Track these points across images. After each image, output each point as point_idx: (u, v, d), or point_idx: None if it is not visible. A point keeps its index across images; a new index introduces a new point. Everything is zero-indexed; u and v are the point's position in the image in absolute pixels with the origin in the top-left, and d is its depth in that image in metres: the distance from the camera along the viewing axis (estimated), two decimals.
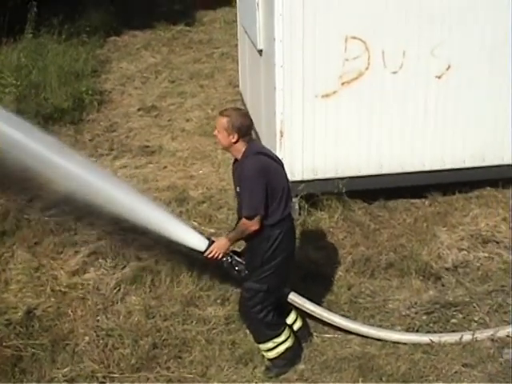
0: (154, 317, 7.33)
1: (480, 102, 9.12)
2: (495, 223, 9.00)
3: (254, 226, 6.09)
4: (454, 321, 7.31)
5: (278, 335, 6.46)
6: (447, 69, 8.91)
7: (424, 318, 7.36)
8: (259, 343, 6.55)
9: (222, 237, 6.70)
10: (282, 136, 8.78)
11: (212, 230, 8.90)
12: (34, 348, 6.81)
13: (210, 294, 7.68)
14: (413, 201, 9.65)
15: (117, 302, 7.56)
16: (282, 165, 6.41)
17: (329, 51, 8.61)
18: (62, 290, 7.76)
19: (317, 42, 8.55)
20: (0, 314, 7.29)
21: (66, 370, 6.55)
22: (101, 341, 6.95)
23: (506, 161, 9.35)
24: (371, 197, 9.49)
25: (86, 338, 6.98)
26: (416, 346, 6.83)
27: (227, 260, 6.44)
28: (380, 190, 9.33)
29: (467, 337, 6.85)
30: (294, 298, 6.85)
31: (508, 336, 6.90)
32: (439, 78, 8.94)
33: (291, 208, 6.51)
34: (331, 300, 7.63)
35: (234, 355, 6.76)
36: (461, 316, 7.38)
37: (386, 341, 6.89)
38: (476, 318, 7.33)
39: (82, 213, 8.68)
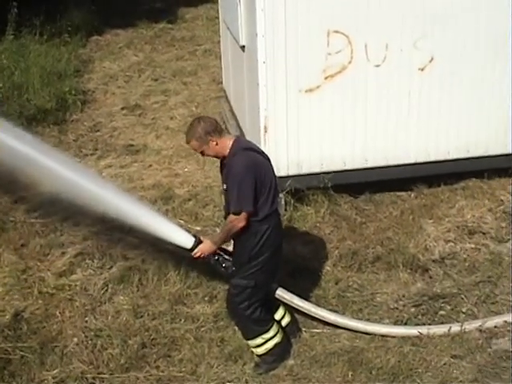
0: (142, 316, 7.32)
1: (463, 93, 9.14)
2: (481, 214, 9.03)
3: (241, 222, 6.08)
4: (442, 312, 7.34)
5: (267, 331, 6.46)
6: (430, 61, 8.92)
7: (412, 310, 7.38)
8: (248, 340, 6.55)
9: (207, 238, 6.66)
10: (266, 132, 8.77)
11: (198, 228, 8.89)
12: (22, 351, 6.78)
13: (197, 291, 7.67)
14: (399, 194, 9.67)
15: (105, 302, 7.55)
16: (268, 159, 6.41)
17: (311, 46, 8.60)
18: (50, 291, 7.73)
19: (299, 37, 8.53)
20: None
21: (55, 371, 6.53)
22: (89, 341, 6.94)
23: (491, 152, 9.38)
24: (357, 190, 9.50)
25: (75, 339, 6.96)
26: (405, 338, 6.84)
27: (214, 257, 6.44)
28: (366, 183, 9.34)
29: (456, 328, 6.88)
30: (281, 293, 6.85)
31: (496, 326, 6.93)
32: (422, 70, 8.95)
33: (278, 203, 6.50)
34: (319, 295, 7.63)
35: (224, 352, 6.76)
36: (449, 308, 7.41)
37: (375, 334, 6.90)
38: (464, 310, 7.35)
39: (67, 213, 8.65)
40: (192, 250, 6.44)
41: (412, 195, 9.65)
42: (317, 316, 7.00)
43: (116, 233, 8.39)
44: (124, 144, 12.28)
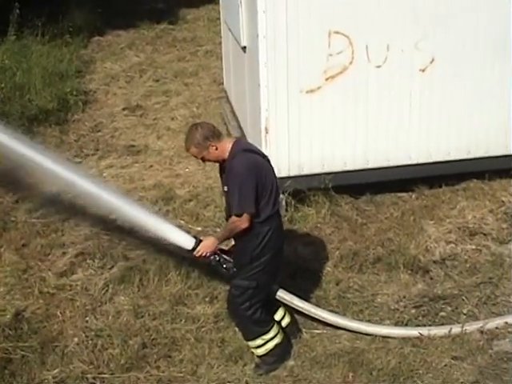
0: (142, 316, 7.32)
1: (464, 94, 9.14)
2: (482, 215, 9.03)
3: (243, 223, 6.07)
4: (442, 314, 7.33)
5: (267, 332, 6.46)
6: (431, 62, 8.93)
7: (413, 311, 7.38)
8: (248, 340, 6.54)
9: (209, 236, 6.67)
10: (267, 133, 8.77)
11: (199, 228, 8.89)
12: (23, 350, 6.78)
13: (198, 292, 7.67)
14: (400, 194, 9.66)
15: (105, 303, 7.55)
16: (268, 161, 6.40)
17: (312, 47, 8.60)
18: (51, 291, 7.75)
19: (300, 38, 8.54)
20: None
21: (55, 371, 6.53)
22: (90, 341, 6.94)
23: (492, 153, 9.38)
24: (358, 191, 9.50)
25: (75, 339, 6.97)
26: (405, 339, 6.83)
27: (215, 258, 6.43)
28: (366, 184, 9.33)
29: (456, 329, 6.87)
30: (282, 294, 6.84)
31: (497, 328, 6.92)
32: (423, 71, 8.95)
33: (279, 204, 6.50)
34: (320, 295, 7.63)
35: (224, 353, 6.75)
36: (450, 309, 7.40)
37: (376, 336, 6.90)
38: (465, 311, 7.34)
39: (68, 214, 8.67)
40: (193, 250, 6.44)
41: (413, 196, 9.65)
42: (317, 317, 7.00)
43: (117, 233, 8.40)
44: (125, 144, 12.28)
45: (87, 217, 8.89)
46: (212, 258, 6.43)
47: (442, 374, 6.39)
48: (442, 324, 7.13)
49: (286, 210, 8.94)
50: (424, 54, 8.87)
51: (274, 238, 6.26)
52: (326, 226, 8.99)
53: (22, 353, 6.75)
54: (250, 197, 6.00)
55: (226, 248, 6.63)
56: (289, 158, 8.89)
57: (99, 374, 6.52)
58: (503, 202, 9.27)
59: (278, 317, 6.81)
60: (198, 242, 6.43)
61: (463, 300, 7.50)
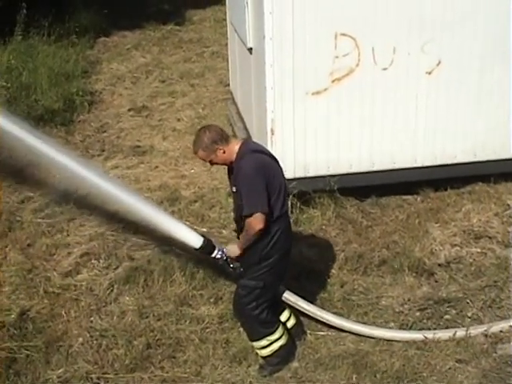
0: (147, 317, 7.32)
1: (471, 97, 9.13)
2: (487, 218, 9.01)
3: (258, 224, 6.00)
4: (447, 317, 7.33)
5: (272, 333, 6.46)
6: (437, 65, 8.91)
7: (417, 314, 7.37)
8: (253, 341, 6.55)
9: (233, 244, 6.59)
10: (273, 134, 8.77)
11: (204, 229, 8.89)
12: (27, 350, 6.79)
13: (203, 293, 7.67)
14: (405, 197, 9.66)
15: (110, 303, 7.56)
16: (277, 161, 6.39)
17: (319, 48, 8.59)
18: (55, 291, 7.75)
19: (307, 40, 8.53)
20: None
21: (60, 371, 6.55)
22: (95, 341, 6.95)
23: (498, 156, 9.36)
24: (363, 194, 9.49)
25: (80, 339, 6.98)
26: (410, 342, 6.83)
27: (222, 257, 6.44)
28: (372, 186, 9.33)
29: (461, 333, 6.86)
30: (287, 296, 6.85)
31: (501, 331, 6.92)
32: (429, 73, 8.94)
33: (288, 205, 6.50)
34: (324, 297, 7.63)
35: (228, 354, 6.76)
36: (454, 312, 7.39)
37: (380, 339, 6.90)
38: (469, 314, 7.34)
39: (74, 214, 8.70)
40: (200, 249, 6.44)
41: (418, 199, 9.64)
42: (322, 319, 7.00)
43: (122, 233, 8.42)
44: (131, 145, 12.29)
45: (92, 217, 8.92)
46: (219, 257, 6.44)
47: (446, 377, 6.39)
48: (447, 327, 7.12)
49: (292, 212, 8.92)
50: (430, 56, 8.85)
51: (282, 239, 6.25)
52: (331, 228, 8.99)
53: (27, 352, 6.76)
54: (262, 196, 5.98)
55: (223, 246, 6.63)
56: (294, 159, 8.89)
57: (103, 374, 6.53)
58: (508, 205, 9.26)
59: (283, 318, 6.82)
60: (206, 240, 6.44)
61: (468, 303, 7.49)
